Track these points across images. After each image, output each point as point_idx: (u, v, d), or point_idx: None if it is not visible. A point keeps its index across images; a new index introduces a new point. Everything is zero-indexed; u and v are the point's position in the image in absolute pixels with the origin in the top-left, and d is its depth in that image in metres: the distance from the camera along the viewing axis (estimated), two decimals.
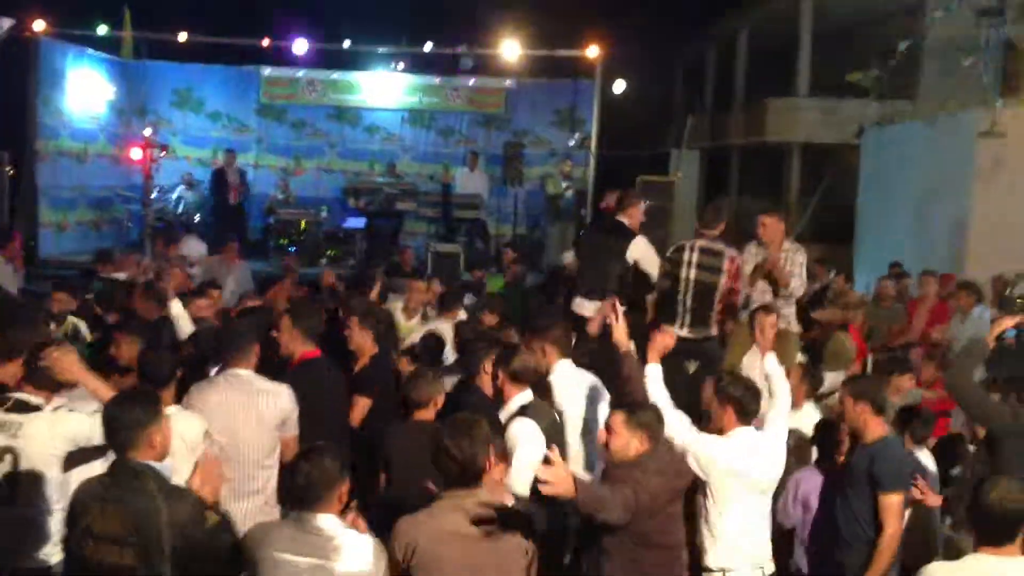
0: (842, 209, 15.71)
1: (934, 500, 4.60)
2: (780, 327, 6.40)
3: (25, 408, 3.98)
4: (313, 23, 14.99)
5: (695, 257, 6.69)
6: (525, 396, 4.47)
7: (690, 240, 6.87)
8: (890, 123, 13.93)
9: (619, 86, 16.49)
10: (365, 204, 14.76)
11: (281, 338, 5.16)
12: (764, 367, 4.62)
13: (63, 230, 13.72)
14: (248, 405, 4.47)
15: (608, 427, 3.77)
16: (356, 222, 14.41)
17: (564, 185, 14.68)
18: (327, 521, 3.23)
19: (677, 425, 4.15)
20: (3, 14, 12.28)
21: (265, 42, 14.65)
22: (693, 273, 6.68)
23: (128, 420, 3.32)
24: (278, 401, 4.56)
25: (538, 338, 5.03)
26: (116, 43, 15.29)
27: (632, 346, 4.54)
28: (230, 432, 4.37)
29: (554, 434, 4.44)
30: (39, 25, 12.89)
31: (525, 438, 4.20)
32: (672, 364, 5.42)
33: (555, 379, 4.90)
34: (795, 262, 6.80)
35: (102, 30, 14.37)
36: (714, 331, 6.84)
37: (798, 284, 6.81)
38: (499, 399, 4.60)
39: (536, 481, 3.22)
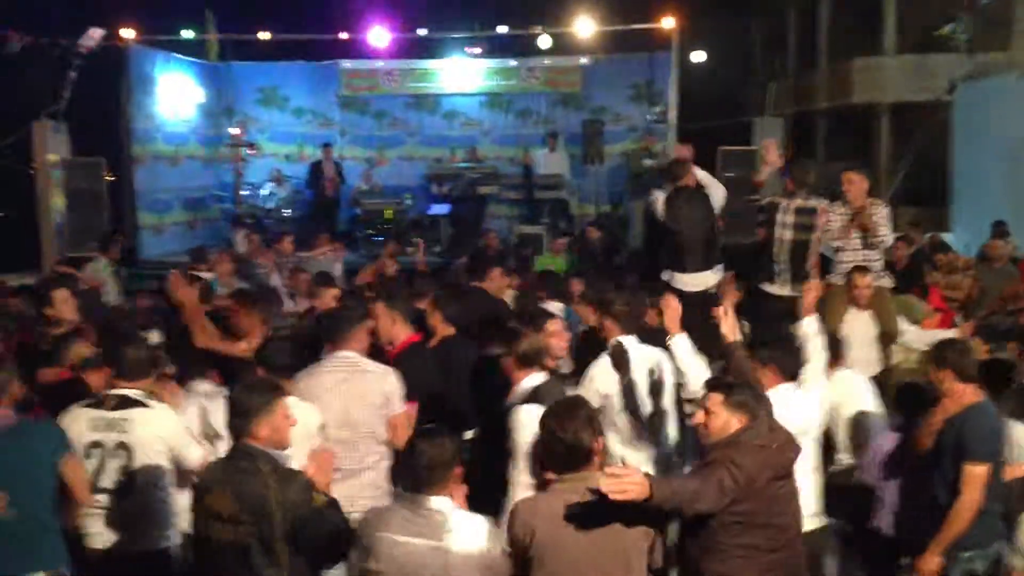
0: (935, 169, 15.23)
1: (1015, 472, 4.44)
2: (875, 284, 6.58)
3: (129, 403, 4.18)
4: (389, 14, 15.15)
5: (790, 218, 6.85)
6: (535, 378, 4.40)
7: (783, 199, 6.93)
8: (983, 77, 13.43)
9: (697, 56, 16.25)
10: (448, 190, 14.96)
11: (380, 324, 5.24)
12: (802, 328, 4.63)
13: (161, 232, 14.23)
14: (354, 386, 4.58)
15: (705, 408, 3.73)
16: (440, 208, 14.60)
17: (647, 163, 14.58)
18: (441, 503, 3.29)
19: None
20: (93, 24, 12.78)
21: (343, 36, 14.90)
22: (789, 233, 6.85)
23: (247, 407, 3.48)
24: (382, 381, 4.66)
25: (600, 312, 5.05)
26: (202, 47, 15.77)
27: (738, 336, 4.54)
28: (339, 413, 4.50)
29: None
30: (128, 33, 13.35)
31: (528, 425, 4.06)
32: (774, 325, 5.61)
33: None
34: (880, 215, 6.92)
35: (188, 35, 14.81)
36: None
37: (886, 233, 6.94)
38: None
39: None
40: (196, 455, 4.24)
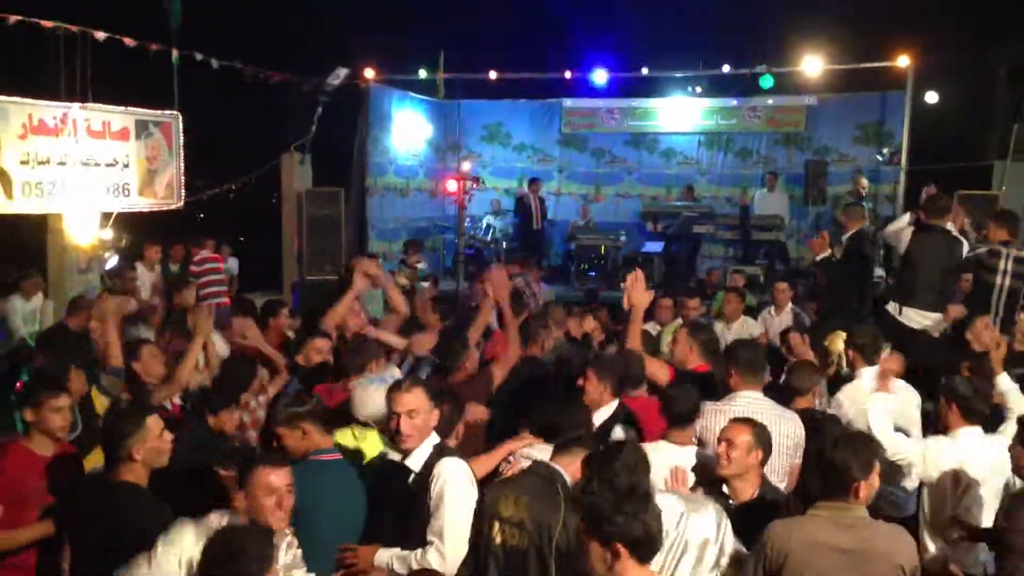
0: None
1: None
2: None
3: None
4: (612, 53, 15.39)
5: (1011, 265, 6.96)
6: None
7: (1002, 247, 7.02)
8: None
9: (932, 96, 15.42)
10: (663, 228, 14.96)
11: (677, 348, 5.50)
12: (998, 385, 4.74)
13: (388, 259, 15.04)
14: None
15: None
16: (654, 246, 14.63)
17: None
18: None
19: (902, 443, 4.38)
20: (339, 65, 13.81)
21: (567, 75, 15.27)
22: (1008, 281, 6.94)
23: (571, 435, 3.71)
24: (795, 427, 4.62)
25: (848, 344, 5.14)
26: (433, 85, 16.63)
27: None
28: None
29: None
30: (369, 73, 14.32)
31: None
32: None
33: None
34: None
35: (422, 74, 15.65)
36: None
37: None
38: None
39: None
40: None
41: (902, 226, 7.36)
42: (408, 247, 11.73)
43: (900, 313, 7.09)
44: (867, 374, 5.19)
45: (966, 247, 7.21)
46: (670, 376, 5.21)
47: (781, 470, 4.45)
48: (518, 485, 3.57)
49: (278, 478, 3.39)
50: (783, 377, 5.55)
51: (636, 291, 5.43)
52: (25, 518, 4.05)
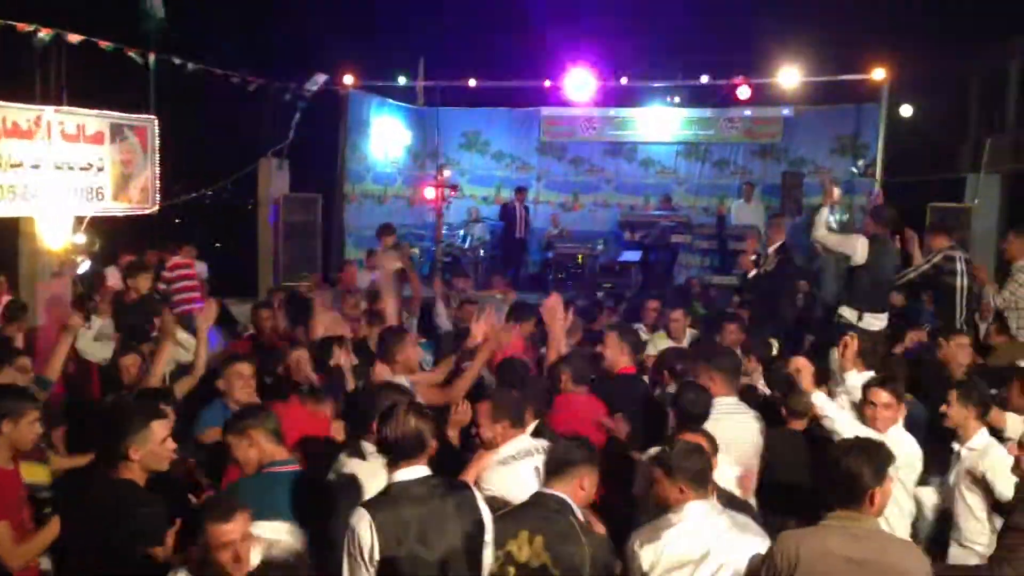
0: None
1: None
2: None
3: None
4: (591, 63, 15.42)
5: (966, 267, 7.59)
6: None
7: (955, 251, 7.65)
8: None
9: (907, 109, 15.60)
10: (640, 237, 14.99)
11: (608, 352, 5.64)
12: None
13: (365, 266, 14.99)
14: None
15: None
16: (631, 255, 14.67)
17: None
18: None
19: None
20: (318, 70, 13.76)
21: (546, 83, 15.29)
22: (967, 281, 7.54)
23: (562, 455, 3.55)
24: (761, 426, 4.95)
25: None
26: (412, 92, 16.62)
27: None
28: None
29: None
30: (348, 79, 14.28)
31: None
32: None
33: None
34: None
35: (401, 81, 15.64)
36: None
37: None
38: None
39: None
40: None
41: (824, 219, 7.53)
42: (380, 231, 11.36)
43: (860, 319, 7.21)
44: (853, 377, 5.28)
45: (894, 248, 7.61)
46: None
47: (755, 470, 4.64)
48: (526, 522, 3.36)
49: (230, 530, 3.09)
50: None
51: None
52: (23, 533, 3.97)
